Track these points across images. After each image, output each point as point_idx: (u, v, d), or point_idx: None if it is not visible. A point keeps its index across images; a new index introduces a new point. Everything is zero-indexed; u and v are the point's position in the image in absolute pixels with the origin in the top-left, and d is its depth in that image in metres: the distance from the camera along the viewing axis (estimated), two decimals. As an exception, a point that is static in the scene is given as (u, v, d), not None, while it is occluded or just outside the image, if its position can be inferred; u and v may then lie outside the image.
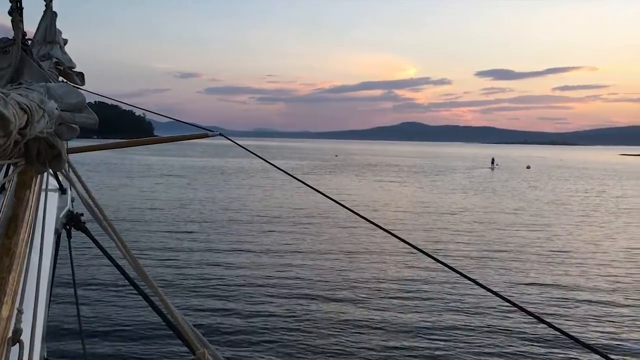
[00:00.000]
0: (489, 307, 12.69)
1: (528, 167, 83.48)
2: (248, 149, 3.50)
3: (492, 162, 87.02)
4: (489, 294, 2.54)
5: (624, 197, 41.28)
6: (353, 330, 11.22)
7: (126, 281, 2.49)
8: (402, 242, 2.83)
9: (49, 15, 3.13)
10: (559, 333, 2.36)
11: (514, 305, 2.50)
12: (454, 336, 11.05)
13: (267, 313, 12.10)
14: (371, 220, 2.87)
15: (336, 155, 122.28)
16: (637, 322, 12.18)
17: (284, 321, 11.61)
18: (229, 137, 3.37)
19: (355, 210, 2.92)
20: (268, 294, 13.56)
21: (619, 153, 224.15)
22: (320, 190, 3.12)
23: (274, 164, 3.29)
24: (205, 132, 3.17)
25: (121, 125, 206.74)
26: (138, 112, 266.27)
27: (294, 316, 11.94)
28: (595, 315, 12.60)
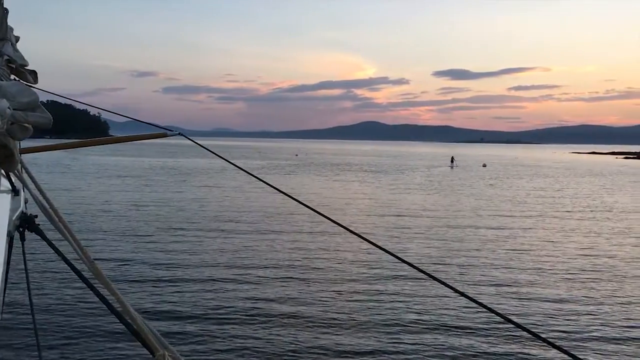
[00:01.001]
0: (451, 305, 12.91)
1: (484, 166, 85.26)
2: (208, 148, 3.47)
3: (452, 161, 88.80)
4: (452, 292, 2.59)
5: (578, 194, 42.63)
6: (315, 330, 11.25)
7: (83, 283, 2.44)
8: (366, 242, 2.85)
9: (0, 12, 3.03)
10: (515, 327, 2.44)
11: (478, 303, 2.56)
12: (416, 334, 11.20)
13: (227, 314, 12.01)
14: (333, 219, 2.89)
15: (296, 155, 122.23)
16: (594, 317, 12.59)
17: (245, 322, 11.55)
18: (189, 137, 3.33)
19: (318, 210, 2.93)
20: (228, 295, 13.46)
21: (570, 151, 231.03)
22: (282, 189, 3.12)
23: (235, 164, 3.27)
24: (164, 132, 3.11)
25: (75, 125, 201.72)
26: (93, 112, 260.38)
27: (254, 317, 11.89)
28: (554, 311, 12.96)
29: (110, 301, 2.33)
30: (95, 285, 2.36)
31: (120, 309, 2.16)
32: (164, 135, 3.12)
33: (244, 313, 12.11)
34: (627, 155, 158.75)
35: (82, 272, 2.47)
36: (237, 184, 42.50)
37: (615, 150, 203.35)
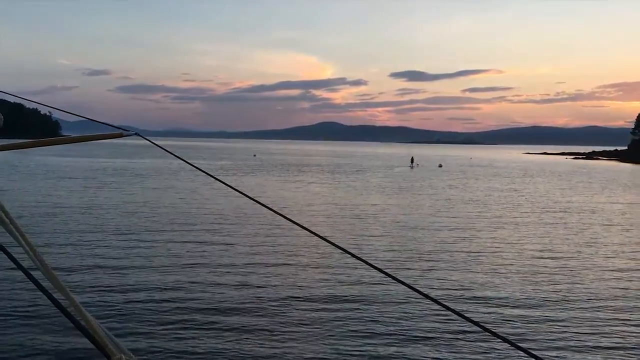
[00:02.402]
0: (412, 306, 13.06)
1: (440, 166, 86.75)
2: (166, 149, 3.41)
3: (412, 161, 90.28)
4: (414, 292, 2.62)
5: (534, 195, 43.79)
6: (274, 333, 11.20)
7: (35, 287, 2.37)
8: (331, 245, 2.85)
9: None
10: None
11: (442, 305, 2.60)
12: (379, 334, 11.30)
13: (183, 318, 11.85)
14: (295, 221, 2.88)
15: (254, 155, 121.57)
16: (552, 315, 12.96)
17: (202, 328, 11.42)
18: (146, 137, 3.26)
19: (279, 211, 2.92)
20: (184, 300, 13.28)
21: (523, 152, 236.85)
22: (242, 191, 3.09)
23: (194, 165, 3.22)
24: (120, 132, 3.02)
25: (25, 124, 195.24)
26: (44, 111, 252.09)
27: (211, 321, 11.77)
28: (512, 310, 13.25)
29: (64, 305, 2.27)
30: (48, 288, 2.29)
31: (74, 313, 2.11)
32: (120, 135, 3.03)
33: (200, 318, 11.97)
34: (576, 155, 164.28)
35: (35, 276, 2.40)
36: (194, 185, 41.98)
37: (565, 151, 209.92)
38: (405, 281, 2.65)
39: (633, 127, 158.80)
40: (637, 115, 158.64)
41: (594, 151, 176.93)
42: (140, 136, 3.14)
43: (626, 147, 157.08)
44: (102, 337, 2.05)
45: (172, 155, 3.21)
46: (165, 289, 13.88)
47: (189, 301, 12.94)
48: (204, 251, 18.44)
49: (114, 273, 15.26)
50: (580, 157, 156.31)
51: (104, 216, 25.65)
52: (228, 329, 11.20)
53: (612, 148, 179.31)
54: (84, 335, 2.09)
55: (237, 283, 14.62)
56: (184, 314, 12.03)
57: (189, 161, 3.15)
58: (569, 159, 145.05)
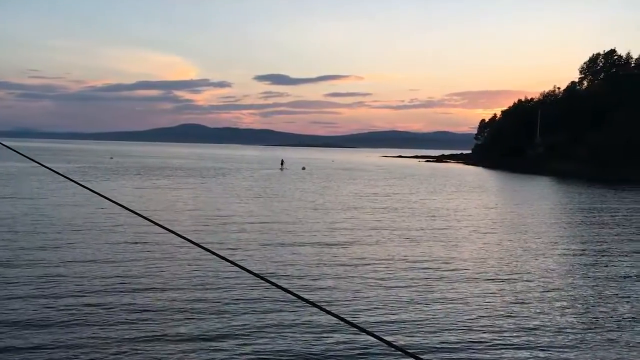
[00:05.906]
0: (290, 310, 13.23)
1: (303, 169, 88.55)
2: (15, 149, 3.18)
3: (282, 164, 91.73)
4: (290, 295, 2.70)
5: (399, 197, 46.02)
6: (135, 346, 10.82)
7: None
8: (203, 250, 2.83)
9: None
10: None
11: (324, 310, 2.70)
12: (255, 339, 11.32)
13: (42, 321, 11.04)
14: (158, 222, 2.83)
15: (111, 157, 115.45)
16: (429, 316, 13.73)
17: (65, 329, 10.71)
18: (-8, 137, 3.01)
19: (142, 214, 2.85)
20: (43, 299, 12.34)
21: (381, 155, 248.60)
22: (101, 193, 2.98)
23: (47, 166, 3.04)
24: (-39, 131, 2.75)
25: None
26: None
27: (72, 325, 11.08)
28: (393, 313, 13.73)
29: None
30: None
31: None
32: (-39, 135, 2.78)
33: (64, 320, 11.20)
34: (428, 158, 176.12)
35: None
36: (45, 190, 38.93)
37: (418, 154, 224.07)
38: (278, 283, 2.73)
39: (476, 132, 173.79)
40: (479, 122, 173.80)
41: (443, 155, 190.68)
42: (-15, 136, 2.91)
43: (470, 151, 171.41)
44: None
45: (22, 157, 3.01)
46: (21, 290, 12.75)
47: (37, 315, 12.02)
48: (49, 263, 17.15)
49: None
50: (432, 160, 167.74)
51: None
52: (83, 338, 10.59)
53: (458, 152, 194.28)
54: None
55: (95, 282, 13.84)
56: (41, 316, 11.16)
57: (42, 163, 2.96)
58: (421, 162, 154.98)
